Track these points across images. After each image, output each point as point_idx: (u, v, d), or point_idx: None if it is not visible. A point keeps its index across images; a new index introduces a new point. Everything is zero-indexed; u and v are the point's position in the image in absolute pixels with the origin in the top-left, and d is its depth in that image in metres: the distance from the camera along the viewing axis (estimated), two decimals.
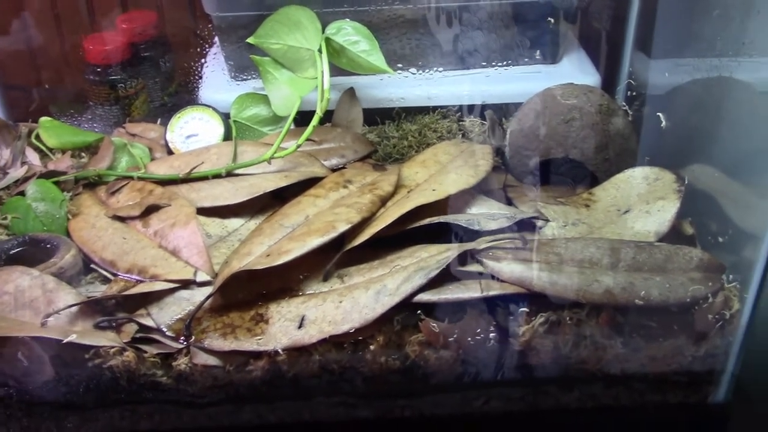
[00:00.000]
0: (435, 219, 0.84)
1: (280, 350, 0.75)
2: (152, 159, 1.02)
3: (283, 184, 0.92)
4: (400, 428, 0.84)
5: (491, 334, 0.77)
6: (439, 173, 0.92)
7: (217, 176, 0.95)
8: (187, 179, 0.95)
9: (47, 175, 0.98)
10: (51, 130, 1.06)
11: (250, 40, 1.03)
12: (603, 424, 0.86)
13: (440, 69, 1.11)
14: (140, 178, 0.96)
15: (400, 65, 1.10)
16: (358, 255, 0.82)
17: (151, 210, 0.89)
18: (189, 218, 0.87)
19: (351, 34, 0.99)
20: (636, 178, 0.92)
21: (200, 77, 1.12)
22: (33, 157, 1.04)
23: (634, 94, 1.06)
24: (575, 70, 1.11)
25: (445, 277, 0.78)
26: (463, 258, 0.80)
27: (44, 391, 0.78)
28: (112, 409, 0.81)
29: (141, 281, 0.82)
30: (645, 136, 0.97)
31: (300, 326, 0.76)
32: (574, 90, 0.97)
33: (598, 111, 0.94)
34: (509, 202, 0.93)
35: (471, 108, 1.09)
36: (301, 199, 0.89)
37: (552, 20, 1.08)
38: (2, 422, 0.80)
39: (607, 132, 0.94)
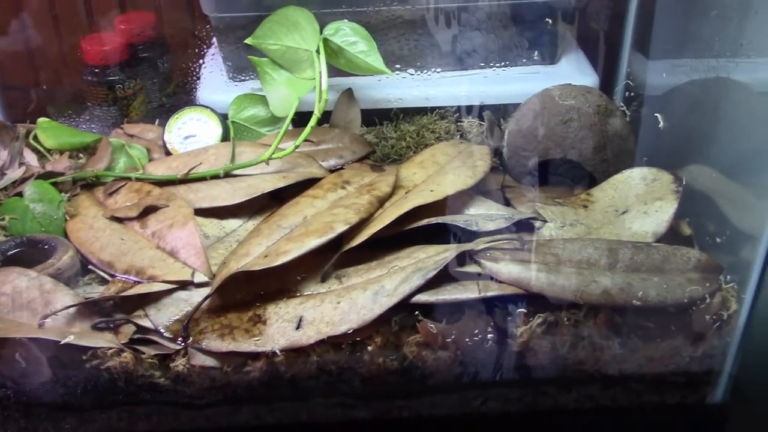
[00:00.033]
0: (433, 220, 0.84)
1: (277, 351, 0.75)
2: (150, 160, 1.02)
3: (281, 184, 0.92)
4: (398, 429, 0.84)
5: (489, 335, 0.77)
6: (437, 174, 0.92)
7: (215, 177, 0.95)
8: (185, 180, 0.94)
9: (45, 176, 0.98)
10: (49, 131, 1.06)
11: (248, 40, 1.03)
12: (601, 425, 0.86)
13: (438, 70, 1.11)
14: (138, 179, 0.96)
15: (398, 66, 1.10)
16: (356, 256, 0.82)
17: (149, 211, 0.89)
18: (187, 219, 0.87)
19: (349, 35, 0.99)
20: (634, 178, 0.92)
21: (198, 78, 1.12)
22: (31, 158, 1.04)
23: (632, 94, 1.06)
24: (573, 71, 1.11)
25: (443, 277, 0.78)
26: (462, 259, 0.80)
27: (42, 392, 0.78)
28: (110, 410, 0.81)
29: (139, 282, 0.82)
30: (643, 137, 0.97)
31: (298, 327, 0.76)
32: (572, 91, 0.97)
33: (596, 112, 0.94)
34: (507, 203, 0.93)
35: (469, 109, 1.09)
36: (299, 200, 0.89)
37: (550, 21, 1.08)
38: (0, 423, 0.80)
39: (605, 133, 0.94)
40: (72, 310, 0.79)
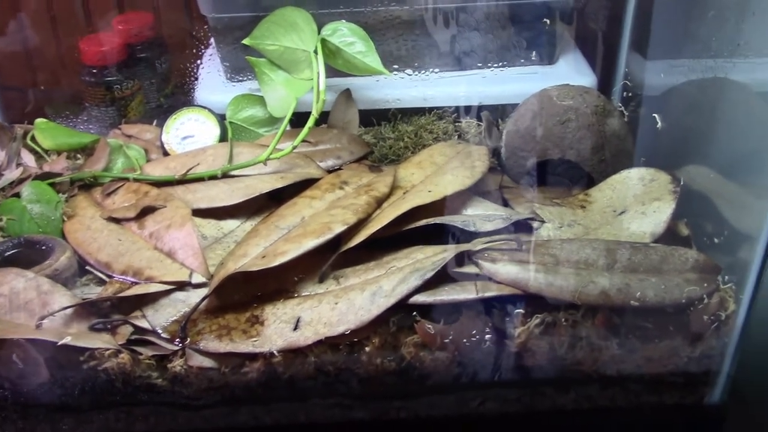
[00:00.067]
0: (431, 220, 0.84)
1: (275, 352, 0.75)
2: (148, 160, 1.02)
3: (279, 185, 0.92)
4: (396, 430, 0.84)
5: (487, 336, 0.77)
6: (435, 174, 0.91)
7: (212, 177, 0.95)
8: (183, 181, 0.94)
9: (43, 176, 0.97)
10: (46, 132, 1.06)
11: (245, 41, 1.03)
12: (599, 426, 0.86)
13: (436, 70, 1.11)
14: (136, 180, 0.96)
15: (396, 66, 1.10)
16: (353, 256, 0.82)
17: (146, 211, 0.89)
18: (184, 220, 0.87)
19: (347, 36, 0.99)
20: (632, 179, 0.92)
21: (196, 78, 1.12)
22: (28, 158, 1.04)
23: (630, 95, 1.06)
24: (571, 71, 1.11)
25: (441, 278, 0.78)
26: (460, 259, 0.80)
27: (39, 393, 0.78)
28: (108, 411, 0.81)
29: (136, 283, 0.82)
30: (641, 137, 0.97)
31: (295, 328, 0.76)
32: (570, 91, 0.97)
33: (594, 112, 0.94)
34: (505, 203, 0.92)
35: (467, 109, 1.09)
36: (297, 201, 0.89)
37: (548, 21, 1.08)
38: None
39: (603, 133, 0.94)
40: (69, 310, 0.79)
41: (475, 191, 0.91)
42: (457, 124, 1.08)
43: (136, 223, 0.89)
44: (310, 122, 0.94)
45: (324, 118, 1.04)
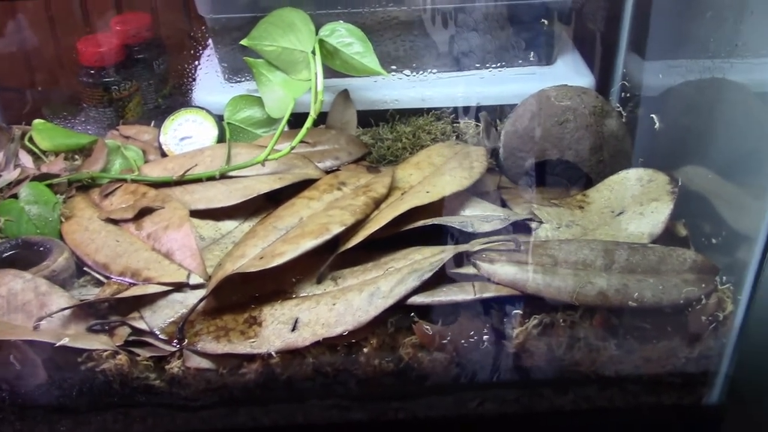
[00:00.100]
0: (429, 221, 0.84)
1: (273, 353, 0.75)
2: (146, 161, 1.02)
3: (277, 186, 0.92)
4: (394, 430, 0.84)
5: (485, 336, 0.77)
6: (433, 175, 0.91)
7: (210, 178, 0.95)
8: (181, 181, 0.94)
9: (40, 177, 0.97)
10: (44, 133, 1.06)
11: (243, 42, 1.03)
12: (598, 426, 0.86)
13: (434, 71, 1.11)
14: (134, 181, 0.96)
15: (394, 67, 1.09)
16: (351, 257, 0.82)
17: (144, 212, 0.89)
18: (182, 221, 0.87)
19: (345, 36, 0.99)
20: (630, 179, 0.92)
21: (194, 79, 1.12)
22: (26, 159, 1.04)
23: (628, 95, 1.06)
24: (570, 72, 1.11)
25: (439, 279, 0.78)
26: (458, 260, 0.80)
27: (37, 394, 0.78)
28: (105, 412, 0.80)
29: (134, 284, 0.82)
30: (639, 138, 0.97)
31: (293, 329, 0.76)
32: (568, 91, 0.97)
33: (592, 112, 0.94)
34: (503, 204, 0.92)
35: (465, 110, 1.09)
36: (295, 201, 0.89)
37: (546, 22, 1.08)
38: None
39: (601, 133, 0.94)
40: (67, 312, 0.78)
41: (474, 192, 0.91)
42: (455, 124, 1.08)
43: (134, 224, 0.89)
44: (308, 123, 0.94)
45: (322, 118, 1.03)
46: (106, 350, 0.76)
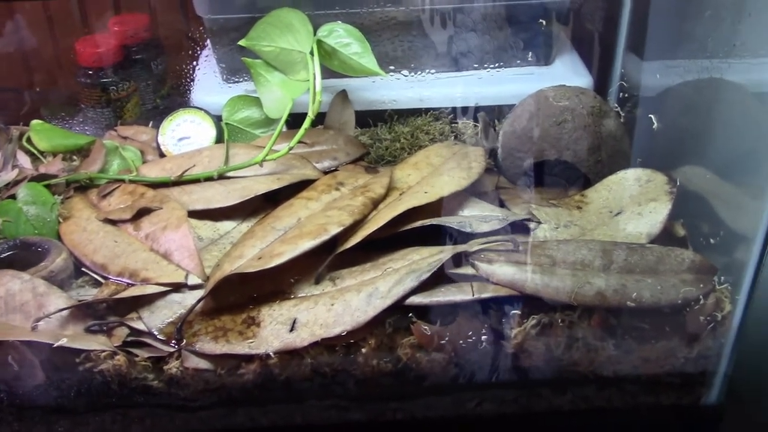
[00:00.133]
0: (427, 221, 0.84)
1: (271, 353, 0.75)
2: (144, 162, 1.02)
3: (275, 186, 0.92)
4: (393, 431, 0.84)
5: (483, 337, 0.77)
6: (431, 175, 0.91)
7: (208, 179, 0.95)
8: (179, 182, 0.94)
9: (38, 178, 0.97)
10: (42, 133, 1.06)
11: (241, 42, 1.02)
12: (596, 427, 0.86)
13: (432, 71, 1.11)
14: (132, 181, 0.96)
15: (392, 67, 1.09)
16: (350, 258, 0.82)
17: (142, 213, 0.89)
18: (180, 221, 0.87)
19: (343, 37, 0.99)
20: (628, 179, 0.92)
21: (192, 80, 1.12)
22: (24, 160, 1.03)
23: (626, 95, 1.06)
24: (568, 72, 1.11)
25: (437, 279, 0.78)
26: (457, 260, 0.80)
27: (35, 395, 0.78)
28: (104, 413, 0.80)
29: (132, 284, 0.81)
30: (637, 138, 0.97)
31: (292, 329, 0.76)
32: (566, 92, 0.97)
33: (590, 113, 0.94)
34: (502, 204, 0.92)
35: (464, 110, 1.09)
36: (293, 202, 0.89)
37: (544, 22, 1.08)
38: None
39: (600, 134, 0.94)
40: (65, 312, 0.78)
41: (472, 192, 0.91)
42: (453, 125, 1.08)
43: (132, 224, 0.89)
44: (306, 123, 0.94)
45: (320, 119, 1.03)
46: (104, 351, 0.76)
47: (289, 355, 0.76)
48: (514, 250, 0.81)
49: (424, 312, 0.78)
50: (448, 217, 0.86)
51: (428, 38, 1.08)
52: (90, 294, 0.83)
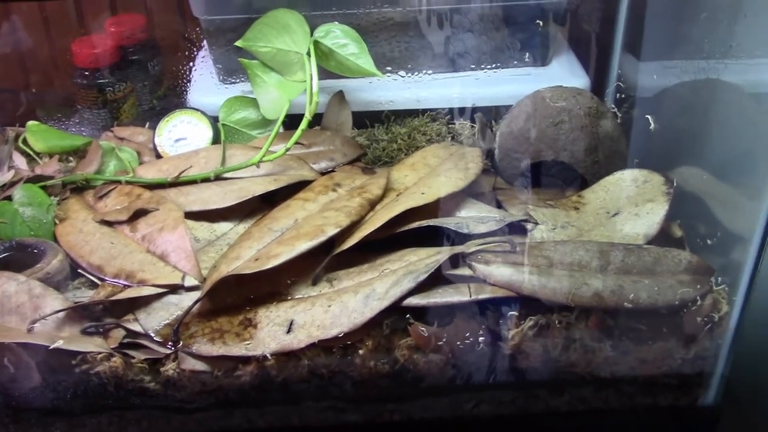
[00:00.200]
0: (424, 222, 0.84)
1: (268, 355, 0.75)
2: (140, 163, 1.02)
3: (272, 187, 0.92)
4: None
5: (480, 338, 0.77)
6: (428, 176, 0.91)
7: (205, 180, 0.94)
8: (176, 183, 0.94)
9: (34, 179, 0.97)
10: (38, 134, 1.05)
11: (238, 43, 1.02)
12: (593, 428, 0.86)
13: (429, 72, 1.11)
14: (128, 182, 0.95)
15: (389, 68, 1.09)
16: (347, 259, 0.82)
17: (139, 214, 0.89)
18: (177, 222, 0.87)
19: (339, 37, 0.99)
20: (625, 180, 0.92)
21: (189, 80, 1.12)
22: (20, 161, 1.03)
23: (623, 96, 1.07)
24: (565, 73, 1.11)
25: (434, 280, 0.78)
26: (454, 261, 0.80)
27: (31, 397, 0.78)
28: (100, 415, 0.80)
29: (128, 286, 0.81)
30: (634, 139, 0.97)
31: (289, 331, 0.76)
32: (563, 92, 0.97)
33: (587, 113, 0.94)
34: (499, 205, 0.92)
35: (461, 111, 1.09)
36: (290, 203, 0.89)
37: (541, 23, 1.08)
38: None
39: (596, 134, 0.94)
40: (61, 314, 0.78)
41: (469, 193, 0.91)
42: (450, 125, 1.08)
43: (129, 225, 0.88)
44: (303, 124, 0.94)
45: (317, 120, 1.03)
46: (100, 353, 0.76)
47: (286, 356, 0.76)
48: (512, 251, 0.81)
49: (421, 313, 0.78)
50: (445, 218, 0.86)
51: (425, 39, 1.08)
52: (86, 296, 0.83)
